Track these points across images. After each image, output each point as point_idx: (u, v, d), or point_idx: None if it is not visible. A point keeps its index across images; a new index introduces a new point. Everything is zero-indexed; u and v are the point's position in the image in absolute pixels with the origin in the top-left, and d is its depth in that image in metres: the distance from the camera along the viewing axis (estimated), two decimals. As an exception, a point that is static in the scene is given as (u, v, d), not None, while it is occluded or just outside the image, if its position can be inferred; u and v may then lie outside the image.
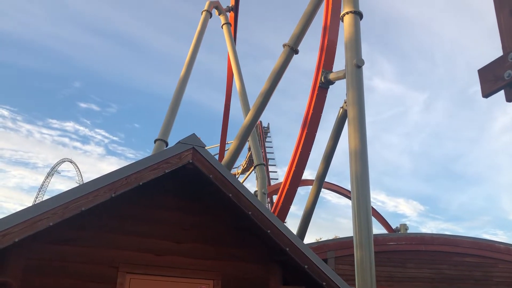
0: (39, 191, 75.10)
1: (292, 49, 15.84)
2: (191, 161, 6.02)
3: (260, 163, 22.99)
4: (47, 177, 76.84)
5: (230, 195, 6.11)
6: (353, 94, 13.64)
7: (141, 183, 5.64)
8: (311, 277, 6.35)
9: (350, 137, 13.23)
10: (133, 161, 5.85)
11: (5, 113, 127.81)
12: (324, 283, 6.34)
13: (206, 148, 6.26)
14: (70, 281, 5.45)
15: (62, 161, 78.58)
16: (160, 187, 6.24)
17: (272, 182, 37.73)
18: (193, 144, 6.13)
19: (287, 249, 6.24)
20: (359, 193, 12.38)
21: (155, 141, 22.37)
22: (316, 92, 16.48)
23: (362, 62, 14.00)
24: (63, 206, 5.11)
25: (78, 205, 5.20)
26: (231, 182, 6.17)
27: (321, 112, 16.77)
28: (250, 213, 6.15)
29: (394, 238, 15.90)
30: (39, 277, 5.30)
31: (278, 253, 6.48)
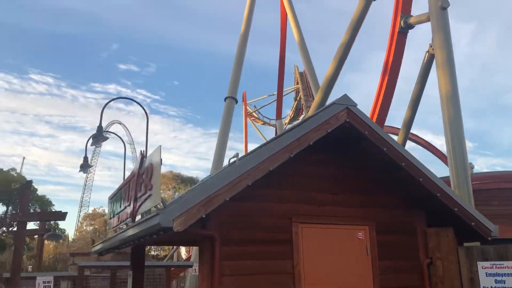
0: (93, 153, 78.48)
1: (370, -3, 15.65)
2: (347, 120, 6.49)
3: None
4: (98, 139, 79.66)
5: (385, 149, 6.60)
6: (439, 37, 13.58)
7: (311, 143, 6.20)
8: (459, 219, 6.89)
9: (440, 81, 13.31)
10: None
11: (50, 80, 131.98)
12: (473, 223, 6.87)
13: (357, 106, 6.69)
14: (256, 232, 6.18)
15: (112, 123, 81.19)
16: (316, 145, 6.77)
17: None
18: (346, 104, 6.58)
19: (438, 194, 6.75)
20: (454, 138, 12.62)
21: (225, 99, 22.94)
22: (395, 37, 16.35)
23: (448, 4, 13.78)
24: (255, 167, 5.76)
25: (266, 166, 5.83)
26: (383, 137, 6.64)
27: (402, 58, 16.71)
28: (403, 164, 6.65)
29: (479, 177, 16.17)
30: (232, 230, 6.04)
31: (424, 198, 7.01)
